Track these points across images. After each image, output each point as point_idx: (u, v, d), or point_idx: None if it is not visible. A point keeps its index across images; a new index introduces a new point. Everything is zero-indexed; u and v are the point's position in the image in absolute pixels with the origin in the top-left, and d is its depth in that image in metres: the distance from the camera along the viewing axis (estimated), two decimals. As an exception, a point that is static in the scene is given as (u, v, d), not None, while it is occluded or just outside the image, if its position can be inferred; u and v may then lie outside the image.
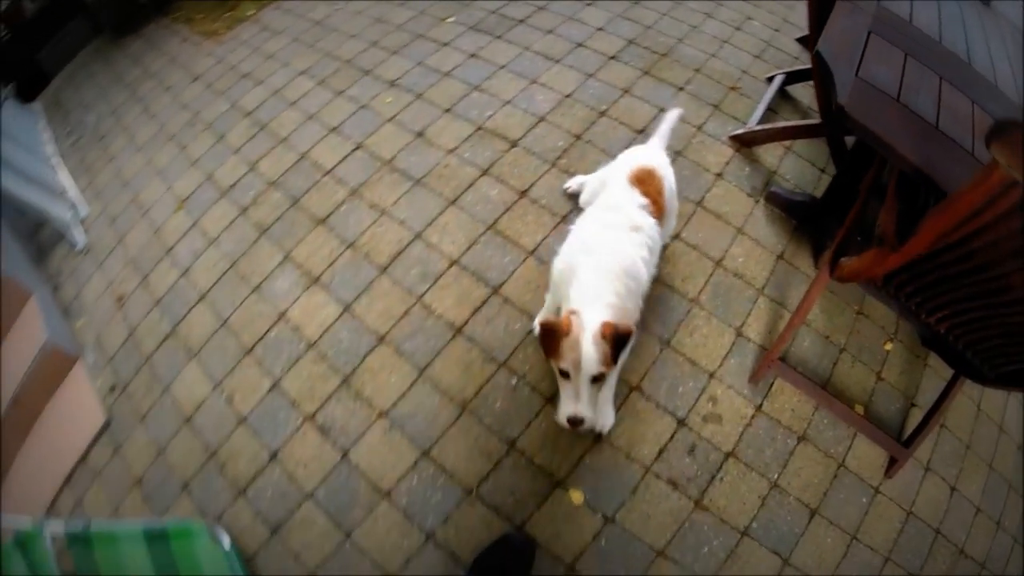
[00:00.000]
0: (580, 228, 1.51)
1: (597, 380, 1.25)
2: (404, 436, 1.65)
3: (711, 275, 1.89)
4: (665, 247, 1.86)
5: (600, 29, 2.73)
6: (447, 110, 2.42)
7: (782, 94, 2.40)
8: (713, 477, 1.58)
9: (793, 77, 2.40)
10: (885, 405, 1.77)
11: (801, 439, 1.66)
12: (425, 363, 1.76)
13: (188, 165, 2.55)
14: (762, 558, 1.51)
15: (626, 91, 2.41)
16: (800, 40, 2.71)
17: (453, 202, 2.10)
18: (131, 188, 2.61)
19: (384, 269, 1.96)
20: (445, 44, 2.75)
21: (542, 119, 2.32)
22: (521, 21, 2.81)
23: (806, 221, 2.00)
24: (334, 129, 2.45)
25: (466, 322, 1.81)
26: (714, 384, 1.71)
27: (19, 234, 2.57)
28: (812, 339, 1.82)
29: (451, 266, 1.93)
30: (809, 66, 2.09)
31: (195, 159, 2.56)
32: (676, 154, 2.15)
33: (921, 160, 1.16)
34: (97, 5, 3.78)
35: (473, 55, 2.66)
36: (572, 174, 2.10)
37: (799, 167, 2.20)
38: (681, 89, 2.42)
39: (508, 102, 2.40)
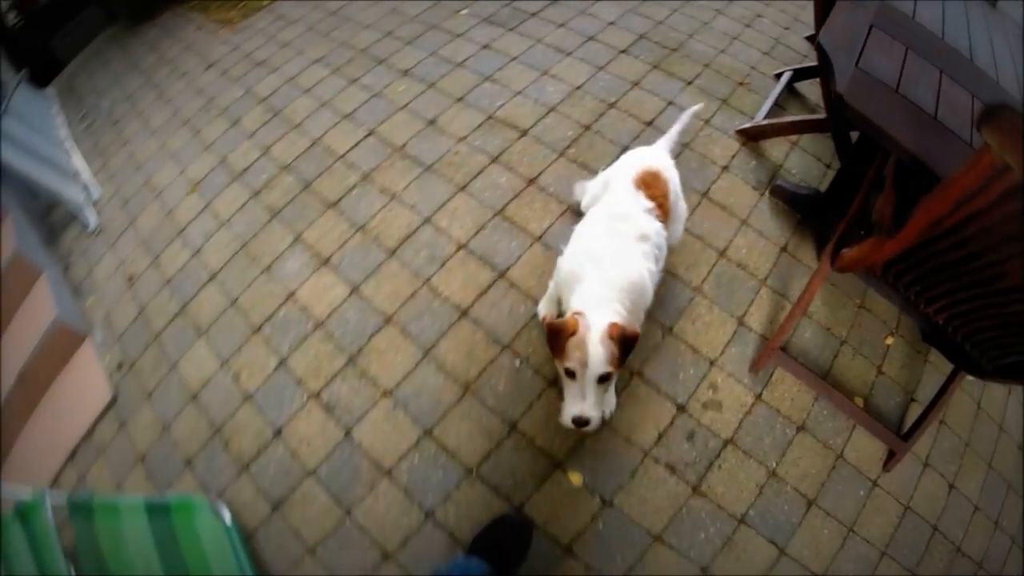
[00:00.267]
0: (586, 233, 1.47)
1: (603, 381, 1.23)
2: (407, 415, 1.68)
3: (714, 265, 1.90)
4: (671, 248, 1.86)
5: (612, 23, 2.75)
6: (459, 99, 2.45)
7: (790, 91, 2.42)
8: (711, 463, 1.60)
9: (801, 74, 2.41)
10: (885, 399, 1.77)
11: (800, 429, 1.67)
12: (430, 344, 1.78)
13: (202, 149, 2.59)
14: (759, 547, 1.52)
15: (635, 84, 2.43)
16: (809, 38, 2.72)
17: (462, 188, 2.12)
18: (144, 171, 2.65)
19: (393, 252, 1.99)
20: (458, 35, 2.78)
21: (552, 109, 2.35)
22: (534, 14, 2.84)
23: (810, 215, 2.01)
24: (347, 116, 2.48)
25: (472, 305, 1.84)
26: (715, 372, 1.72)
27: (31, 215, 2.61)
28: (813, 331, 1.83)
29: (459, 250, 1.96)
30: (817, 64, 2.10)
31: (209, 143, 2.60)
32: (683, 146, 2.17)
33: (918, 148, 1.18)
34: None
35: (486, 46, 2.69)
36: (580, 163, 2.13)
37: (805, 162, 2.21)
38: (690, 83, 2.44)
39: (519, 92, 2.43)
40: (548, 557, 1.48)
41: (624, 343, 1.20)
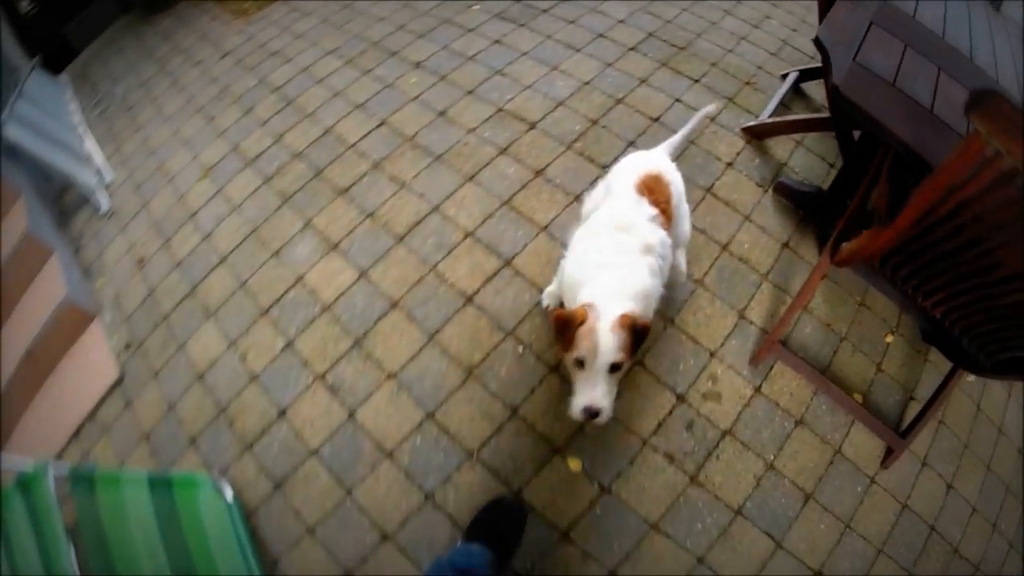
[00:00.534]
0: (588, 242, 1.38)
1: (614, 371, 1.18)
2: (411, 398, 1.69)
3: (717, 258, 1.92)
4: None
5: (621, 21, 2.78)
6: (469, 92, 2.47)
7: (796, 91, 2.43)
8: (710, 454, 1.61)
9: (807, 75, 2.43)
10: (884, 396, 1.78)
11: (799, 423, 1.68)
12: (435, 329, 1.80)
13: (215, 136, 2.62)
14: (755, 539, 1.52)
15: (643, 81, 2.45)
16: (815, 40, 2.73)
17: (471, 178, 2.14)
18: (157, 156, 2.68)
19: (401, 239, 2.01)
20: (470, 30, 2.81)
21: (561, 104, 2.37)
22: (545, 11, 2.87)
23: (813, 212, 2.03)
24: (359, 106, 2.51)
25: (477, 291, 1.86)
26: (715, 363, 1.73)
27: (44, 197, 2.65)
28: (814, 327, 1.84)
29: (466, 238, 1.98)
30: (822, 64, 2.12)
31: (222, 130, 2.63)
32: (689, 143, 2.19)
33: (913, 140, 1.19)
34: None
35: (497, 41, 2.72)
36: (587, 156, 2.16)
37: (808, 161, 2.22)
38: (697, 82, 2.46)
39: (529, 87, 2.46)
40: (545, 542, 1.49)
41: (636, 333, 1.16)
